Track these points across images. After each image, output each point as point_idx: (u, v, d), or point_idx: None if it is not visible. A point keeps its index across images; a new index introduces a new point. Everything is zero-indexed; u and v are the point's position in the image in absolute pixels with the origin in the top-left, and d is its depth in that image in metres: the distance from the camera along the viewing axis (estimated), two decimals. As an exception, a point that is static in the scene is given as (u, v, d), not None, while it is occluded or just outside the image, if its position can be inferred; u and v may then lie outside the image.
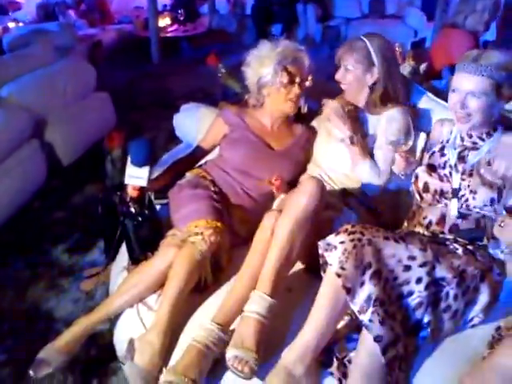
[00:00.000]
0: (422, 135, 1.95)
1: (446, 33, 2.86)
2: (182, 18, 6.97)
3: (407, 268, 1.31)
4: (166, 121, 2.72)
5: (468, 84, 1.48)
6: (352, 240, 1.32)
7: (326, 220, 1.66)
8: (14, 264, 2.50)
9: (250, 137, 1.98)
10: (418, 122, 1.99)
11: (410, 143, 1.78)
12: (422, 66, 2.96)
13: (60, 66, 3.49)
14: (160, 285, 1.63)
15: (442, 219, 1.58)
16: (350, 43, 1.91)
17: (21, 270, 2.46)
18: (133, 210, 1.80)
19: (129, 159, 1.79)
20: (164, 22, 6.73)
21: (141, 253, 1.76)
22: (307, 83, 1.96)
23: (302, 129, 2.06)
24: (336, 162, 1.95)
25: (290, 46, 1.95)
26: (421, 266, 1.32)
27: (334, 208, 1.76)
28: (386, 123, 1.88)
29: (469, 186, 1.53)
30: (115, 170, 2.50)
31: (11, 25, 6.12)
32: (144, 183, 1.75)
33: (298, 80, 1.92)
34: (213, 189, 1.87)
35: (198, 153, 2.11)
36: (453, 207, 1.55)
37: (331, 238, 1.35)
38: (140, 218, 1.77)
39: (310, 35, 6.87)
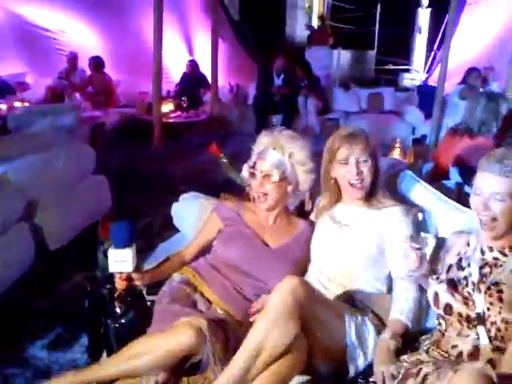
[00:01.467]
0: (431, 237, 1.84)
1: (456, 134, 2.87)
2: (185, 105, 7.14)
3: None
4: (164, 206, 2.64)
5: (491, 185, 1.38)
6: None
7: (338, 327, 1.58)
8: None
9: (244, 232, 1.87)
10: (427, 223, 1.92)
11: (427, 241, 1.69)
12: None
13: (59, 147, 3.45)
14: (164, 367, 1.47)
15: (476, 351, 1.37)
16: (362, 136, 1.82)
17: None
18: (118, 309, 1.66)
19: (111, 245, 1.70)
20: (167, 107, 6.87)
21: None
22: (272, 179, 1.83)
23: (303, 226, 1.94)
24: (335, 263, 1.80)
25: (267, 137, 1.89)
26: None
27: (337, 314, 1.63)
28: (394, 221, 1.78)
29: (500, 312, 1.35)
30: (107, 261, 2.37)
31: (17, 104, 6.22)
32: (129, 268, 1.66)
33: (258, 174, 1.84)
34: (193, 297, 1.74)
35: (192, 249, 2.01)
36: (482, 337, 1.36)
37: None
38: (123, 320, 1.62)
39: (309, 126, 7.01)
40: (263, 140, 1.91)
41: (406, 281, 1.69)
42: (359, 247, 1.78)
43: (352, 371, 1.59)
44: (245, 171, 1.91)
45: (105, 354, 1.75)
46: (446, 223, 1.87)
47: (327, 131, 6.91)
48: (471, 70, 6.30)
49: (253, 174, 1.87)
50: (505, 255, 1.44)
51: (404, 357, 1.48)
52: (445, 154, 2.90)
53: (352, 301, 1.74)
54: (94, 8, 7.25)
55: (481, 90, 5.63)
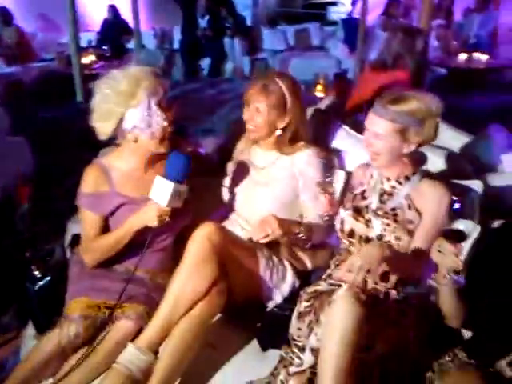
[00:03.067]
0: (342, 174, 1.92)
1: (375, 68, 2.87)
2: (107, 55, 6.82)
3: None
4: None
5: (375, 126, 1.53)
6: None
7: (255, 267, 1.66)
8: None
9: (118, 201, 1.67)
10: (338, 159, 1.99)
11: (337, 178, 1.75)
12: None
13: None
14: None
15: None
16: (263, 84, 1.77)
17: None
18: (36, 272, 1.66)
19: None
20: (89, 58, 6.51)
21: (45, 320, 1.60)
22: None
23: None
24: (251, 206, 1.84)
25: (152, 75, 1.62)
26: None
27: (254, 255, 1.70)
28: (304, 165, 1.80)
29: (394, 232, 1.53)
30: (24, 225, 2.34)
31: None
32: (164, 202, 1.49)
33: (171, 117, 1.64)
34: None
35: None
36: None
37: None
38: (42, 283, 1.63)
39: (238, 68, 6.93)
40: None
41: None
42: (274, 190, 1.81)
43: (270, 306, 1.69)
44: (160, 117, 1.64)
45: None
46: (355, 158, 1.93)
47: (257, 71, 6.87)
48: (392, 0, 6.34)
49: (170, 122, 1.67)
50: (400, 184, 1.59)
51: (304, 289, 1.58)
52: (363, 89, 2.93)
53: (270, 242, 1.79)
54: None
55: (401, 20, 5.71)
